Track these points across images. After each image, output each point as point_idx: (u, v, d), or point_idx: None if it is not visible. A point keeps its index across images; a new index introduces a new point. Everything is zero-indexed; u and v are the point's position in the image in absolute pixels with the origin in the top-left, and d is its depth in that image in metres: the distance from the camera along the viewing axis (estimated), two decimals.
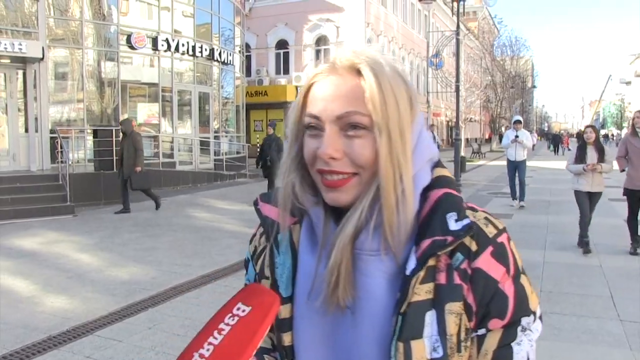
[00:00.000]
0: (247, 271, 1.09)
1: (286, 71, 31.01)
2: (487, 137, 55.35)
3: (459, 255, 0.87)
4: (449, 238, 0.85)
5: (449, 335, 0.85)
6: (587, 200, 7.48)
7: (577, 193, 7.56)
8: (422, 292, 0.85)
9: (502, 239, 0.90)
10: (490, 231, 0.89)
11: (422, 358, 0.84)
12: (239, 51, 22.72)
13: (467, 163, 22.08)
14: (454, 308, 0.85)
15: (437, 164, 0.95)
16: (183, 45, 17.81)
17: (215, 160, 19.03)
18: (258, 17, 30.78)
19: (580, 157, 7.50)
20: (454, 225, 0.86)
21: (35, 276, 6.36)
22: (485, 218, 0.91)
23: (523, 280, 0.90)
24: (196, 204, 12.59)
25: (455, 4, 17.57)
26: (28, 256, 7.41)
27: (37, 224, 9.77)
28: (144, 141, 15.84)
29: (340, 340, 0.91)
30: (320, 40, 30.76)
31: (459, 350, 0.86)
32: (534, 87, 69.68)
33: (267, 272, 1.00)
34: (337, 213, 0.92)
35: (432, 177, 0.92)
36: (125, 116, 14.67)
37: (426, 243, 0.85)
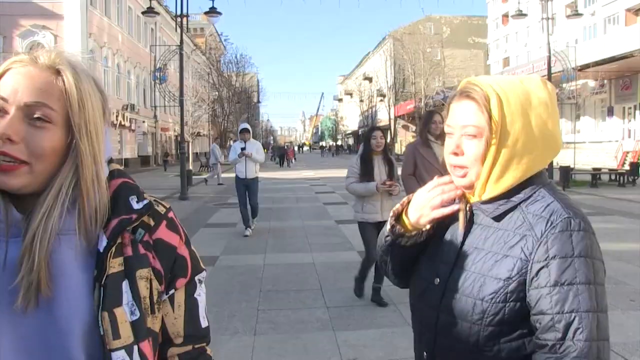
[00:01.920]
0: None
1: None
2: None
3: (140, 230, 1.02)
4: (133, 216, 1.00)
5: (142, 298, 0.99)
6: (376, 233, 4.81)
7: (364, 225, 5.44)
8: (115, 265, 0.96)
9: (171, 214, 1.09)
10: (161, 209, 1.07)
11: (124, 322, 0.95)
12: None
13: (194, 177, 22.12)
14: (143, 274, 0.99)
15: (111, 161, 1.08)
16: None
17: None
18: None
19: (366, 172, 5.38)
20: (135, 205, 1.01)
21: None
22: (154, 200, 1.08)
23: (191, 245, 1.11)
24: None
25: (179, 19, 17.77)
26: None
27: None
28: None
29: (34, 325, 0.92)
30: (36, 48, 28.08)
31: (152, 311, 1.01)
32: (259, 102, 73.65)
33: None
34: (14, 199, 0.94)
35: (109, 170, 1.05)
36: None
37: (114, 222, 0.98)
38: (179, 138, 21.09)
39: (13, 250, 0.91)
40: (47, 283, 0.90)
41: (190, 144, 28.79)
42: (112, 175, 1.05)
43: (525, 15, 21.95)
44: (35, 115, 0.91)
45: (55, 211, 0.92)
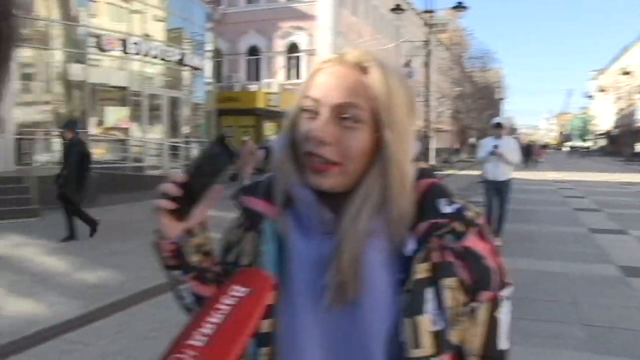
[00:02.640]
0: None
1: (257, 78, 30.93)
2: (456, 147, 56.07)
3: (450, 236, 0.95)
4: (444, 220, 0.94)
5: (447, 308, 0.93)
6: None
7: None
8: (422, 270, 0.92)
9: (481, 221, 1.00)
10: (471, 215, 0.98)
11: (427, 331, 0.91)
12: (211, 57, 22.61)
13: (436, 172, 22.18)
14: (449, 283, 0.93)
15: (417, 158, 1.03)
16: (154, 49, 17.64)
17: (185, 165, 18.78)
18: (230, 23, 30.62)
19: None
20: (446, 209, 0.95)
21: None
22: (465, 204, 1.00)
23: (500, 256, 1.00)
24: None
25: (426, 15, 17.84)
26: None
27: (1, 227, 9.53)
28: (114, 145, 15.63)
29: (338, 323, 0.94)
30: (292, 48, 30.79)
31: (456, 323, 0.95)
32: (502, 98, 70.85)
33: (245, 261, 1.02)
34: (327, 198, 0.96)
35: (417, 170, 1.00)
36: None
37: (423, 226, 0.93)
38: (420, 134, 21.42)
39: (324, 248, 0.95)
40: (355, 284, 0.91)
41: (433, 139, 28.78)
42: (421, 175, 1.00)
43: None
44: (345, 116, 0.91)
45: (364, 212, 0.92)
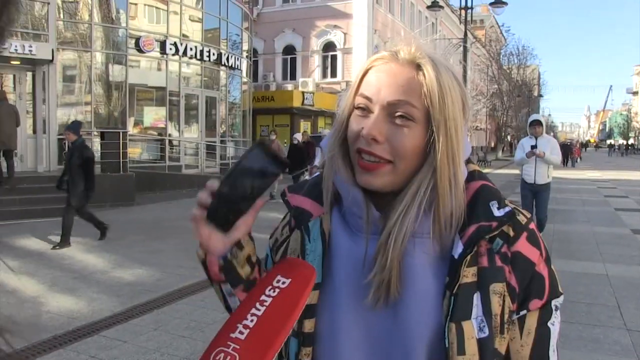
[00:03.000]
0: (265, 266, 1.10)
1: (293, 77, 31.04)
2: (492, 145, 55.24)
3: (498, 240, 0.92)
4: (494, 223, 0.91)
5: (494, 315, 0.90)
6: None
7: None
8: (469, 274, 0.89)
9: (532, 226, 0.96)
10: (522, 219, 0.95)
11: (471, 338, 0.88)
12: (247, 56, 22.81)
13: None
14: (497, 289, 0.90)
15: (469, 160, 1.01)
16: (191, 49, 17.89)
17: (221, 164, 19.06)
18: (266, 22, 30.85)
19: None
20: (497, 212, 0.92)
21: (40, 276, 6.38)
22: (515, 208, 0.96)
23: (551, 264, 0.97)
24: None
25: (462, 12, 17.61)
26: (34, 256, 7.44)
27: (43, 225, 9.80)
28: (152, 144, 15.87)
29: (380, 323, 0.92)
30: (328, 47, 30.80)
31: (502, 332, 0.91)
32: (540, 96, 69.48)
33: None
34: (375, 198, 0.95)
35: (468, 171, 0.98)
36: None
37: (472, 229, 0.91)
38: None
39: (371, 247, 0.93)
40: (397, 283, 0.90)
41: (469, 137, 28.47)
42: (472, 176, 0.98)
43: None
44: (398, 114, 0.90)
45: (412, 211, 0.90)
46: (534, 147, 7.91)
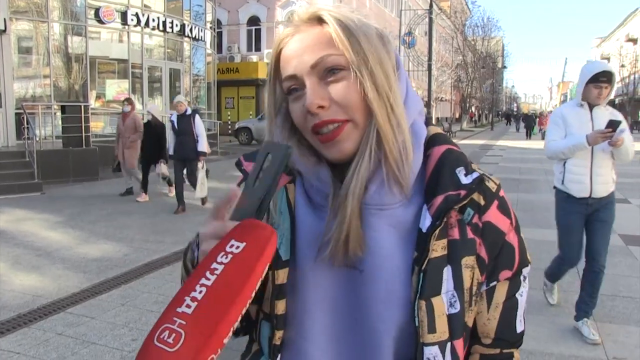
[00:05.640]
0: None
1: (258, 48, 30.66)
2: (457, 116, 55.80)
3: (469, 210, 0.88)
4: (462, 192, 0.85)
5: (466, 289, 0.87)
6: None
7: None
8: (438, 248, 0.85)
9: (502, 193, 0.92)
10: (492, 186, 0.91)
11: (442, 315, 0.84)
12: (210, 27, 22.38)
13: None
14: (469, 262, 0.86)
15: (428, 122, 0.95)
16: (153, 20, 17.47)
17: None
18: None
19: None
20: (464, 179, 0.86)
21: (3, 254, 6.23)
22: (483, 174, 0.90)
23: (520, 232, 0.94)
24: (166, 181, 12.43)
25: None
26: None
27: (4, 202, 9.54)
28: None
29: (347, 302, 0.88)
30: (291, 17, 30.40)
31: (470, 305, 0.88)
32: (504, 67, 70.18)
33: None
34: (337, 172, 0.89)
35: (428, 135, 0.92)
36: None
37: (439, 199, 0.85)
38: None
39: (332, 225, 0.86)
40: (359, 239, 0.84)
41: (434, 109, 28.68)
42: (434, 141, 0.91)
43: None
44: (326, 71, 0.84)
45: (364, 159, 0.83)
46: (613, 124, 3.81)
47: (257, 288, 0.73)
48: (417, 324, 0.83)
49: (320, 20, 0.86)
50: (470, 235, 0.87)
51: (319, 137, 0.86)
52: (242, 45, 31.02)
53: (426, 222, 0.84)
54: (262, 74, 26.87)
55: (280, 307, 0.89)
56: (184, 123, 8.76)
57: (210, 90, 22.55)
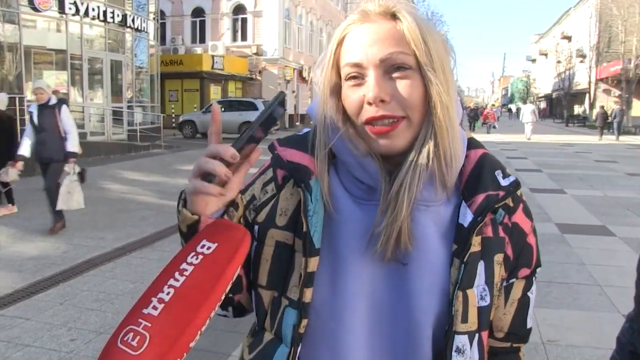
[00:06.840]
0: None
1: (202, 40, 30.18)
2: None
3: (501, 211, 0.94)
4: (501, 193, 0.92)
5: (495, 284, 0.93)
6: None
7: None
8: (476, 243, 0.90)
9: (524, 197, 1.00)
10: (520, 190, 0.98)
11: (474, 306, 0.90)
12: (154, 18, 21.85)
13: None
14: (499, 259, 0.93)
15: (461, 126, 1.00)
16: (93, 9, 16.90)
17: (128, 130, 18.34)
18: None
19: None
20: (503, 181, 0.93)
21: None
22: (516, 177, 0.97)
23: (536, 235, 1.02)
24: (109, 175, 12.12)
25: None
26: None
27: None
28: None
29: (388, 294, 0.90)
30: (238, 9, 30.10)
31: (495, 299, 0.95)
32: None
33: (282, 222, 0.94)
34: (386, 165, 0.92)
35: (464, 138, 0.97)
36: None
37: (481, 197, 0.91)
38: None
39: (375, 215, 0.90)
40: (409, 234, 0.87)
41: None
42: (470, 144, 0.97)
43: None
44: (394, 67, 0.87)
45: (422, 158, 0.87)
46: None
47: (227, 291, 0.72)
48: (452, 312, 0.87)
49: (393, 16, 0.89)
50: (501, 234, 0.93)
51: (372, 129, 0.88)
52: (187, 37, 30.48)
53: (467, 217, 0.90)
54: (207, 66, 26.49)
55: (308, 295, 0.89)
56: (45, 116, 6.81)
57: (153, 82, 22.04)
